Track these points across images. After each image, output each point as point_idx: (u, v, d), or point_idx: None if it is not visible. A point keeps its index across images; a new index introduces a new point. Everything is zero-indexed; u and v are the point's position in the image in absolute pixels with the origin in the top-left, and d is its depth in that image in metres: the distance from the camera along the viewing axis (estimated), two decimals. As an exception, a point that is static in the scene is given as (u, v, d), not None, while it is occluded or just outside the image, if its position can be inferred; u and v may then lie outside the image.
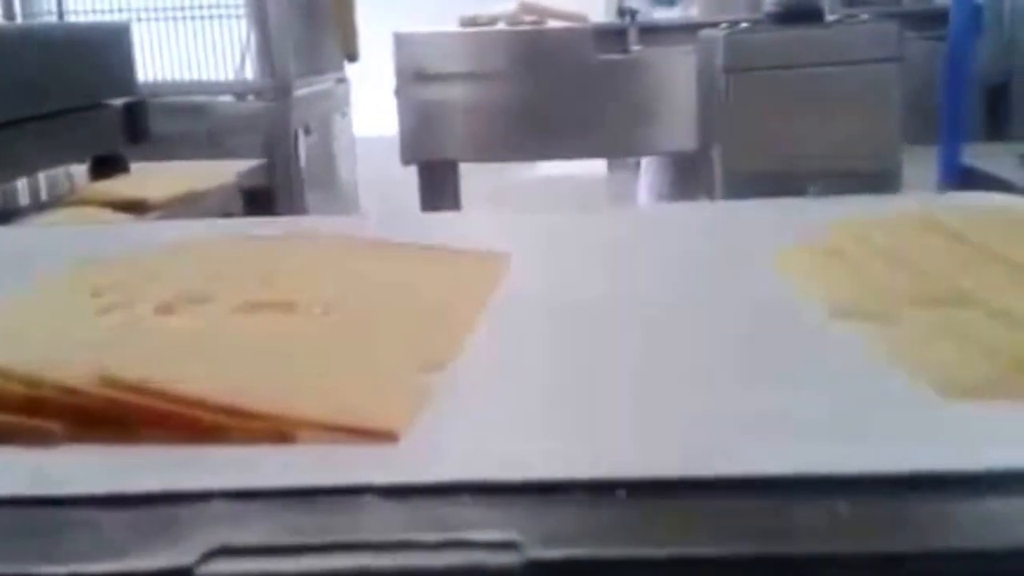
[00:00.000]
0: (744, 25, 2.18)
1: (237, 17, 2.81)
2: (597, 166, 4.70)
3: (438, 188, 3.24)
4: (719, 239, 0.85)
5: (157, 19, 2.83)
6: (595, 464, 0.41)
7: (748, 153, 1.77)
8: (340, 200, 3.22)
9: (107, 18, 2.72)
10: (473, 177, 3.52)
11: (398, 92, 3.06)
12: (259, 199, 2.73)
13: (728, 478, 0.40)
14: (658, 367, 0.54)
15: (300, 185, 2.81)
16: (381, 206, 3.58)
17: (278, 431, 0.45)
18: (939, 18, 2.88)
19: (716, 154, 1.80)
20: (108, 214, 1.42)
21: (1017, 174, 0.98)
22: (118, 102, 1.75)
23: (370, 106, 3.45)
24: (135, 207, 1.44)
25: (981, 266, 0.66)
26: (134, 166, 1.82)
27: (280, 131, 2.73)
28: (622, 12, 3.10)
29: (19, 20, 2.67)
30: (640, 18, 2.98)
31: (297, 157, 2.79)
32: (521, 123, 3.04)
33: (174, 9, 2.80)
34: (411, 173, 3.05)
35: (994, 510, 0.38)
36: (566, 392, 0.51)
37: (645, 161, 3.37)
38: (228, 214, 1.84)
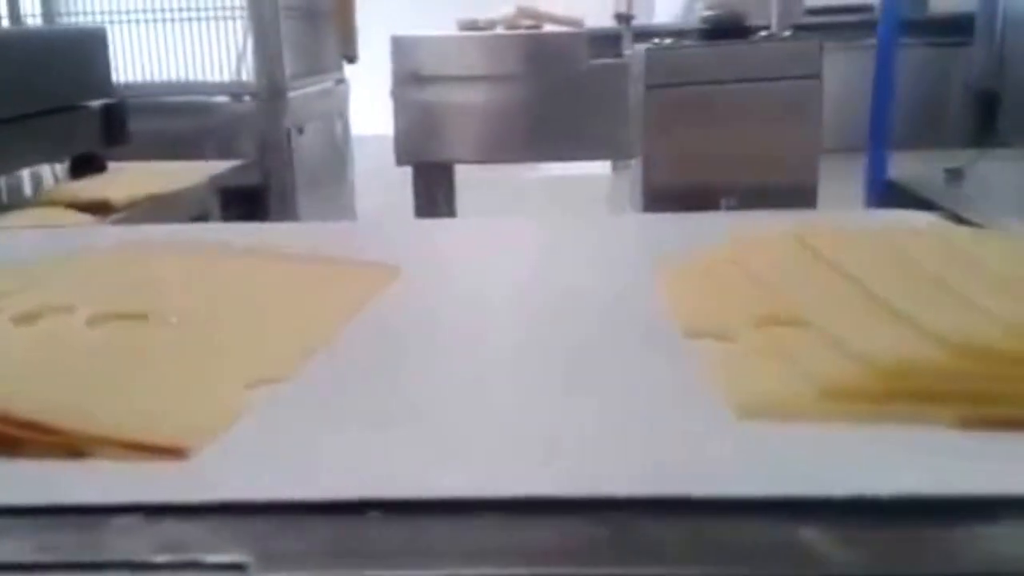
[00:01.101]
0: (668, 41, 2.18)
1: (235, 19, 2.83)
2: (602, 167, 4.70)
3: (433, 189, 3.25)
4: (615, 254, 0.85)
5: (156, 20, 2.85)
6: (344, 485, 0.41)
7: (669, 167, 1.77)
8: (336, 201, 3.23)
9: (104, 19, 2.74)
10: (481, 176, 3.54)
11: (394, 94, 3.08)
12: (251, 199, 2.75)
13: (468, 500, 0.40)
14: (481, 386, 0.55)
15: (292, 186, 2.83)
16: (378, 207, 3.59)
17: (71, 446, 0.45)
18: (933, 24, 2.87)
19: (638, 167, 1.80)
20: (71, 215, 1.43)
21: (936, 189, 0.98)
22: (96, 104, 1.77)
23: (372, 106, 3.46)
24: (98, 208, 1.45)
25: (836, 288, 0.66)
26: (113, 166, 1.83)
27: (272, 132, 2.74)
28: (618, 17, 3.10)
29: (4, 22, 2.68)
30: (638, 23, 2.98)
31: (290, 158, 2.80)
32: (516, 126, 3.04)
33: (171, 11, 2.82)
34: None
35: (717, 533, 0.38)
36: (377, 413, 0.52)
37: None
38: (203, 215, 1.86)
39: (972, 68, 2.68)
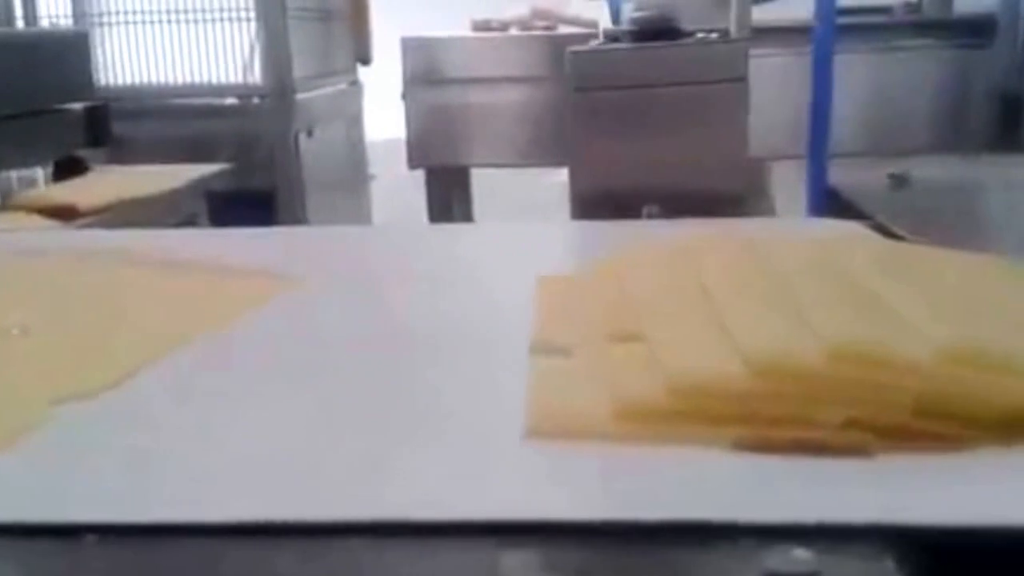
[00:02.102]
0: (596, 43, 2.15)
1: (244, 20, 2.86)
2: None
3: (446, 193, 3.27)
4: (509, 264, 0.86)
5: (166, 21, 2.89)
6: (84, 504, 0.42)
7: (596, 173, 1.76)
8: (350, 205, 3.25)
9: (112, 20, 2.79)
10: (498, 181, 3.55)
11: (405, 96, 3.10)
12: (260, 203, 2.78)
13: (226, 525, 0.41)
14: (293, 408, 0.56)
15: (300, 190, 2.85)
16: (393, 209, 3.61)
17: None
18: (957, 25, 2.83)
19: (567, 173, 1.80)
20: (36, 220, 1.46)
21: (874, 197, 0.96)
22: (77, 106, 1.80)
23: (387, 109, 3.48)
24: (64, 213, 1.48)
25: (689, 303, 0.66)
26: (99, 169, 1.87)
27: (279, 134, 2.77)
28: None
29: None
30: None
31: (297, 160, 2.82)
32: (531, 128, 3.04)
33: (179, 12, 2.85)
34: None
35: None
36: (174, 434, 0.52)
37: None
38: (188, 219, 1.89)
39: (993, 70, 2.64)
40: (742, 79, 1.68)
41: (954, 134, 2.82)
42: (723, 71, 1.73)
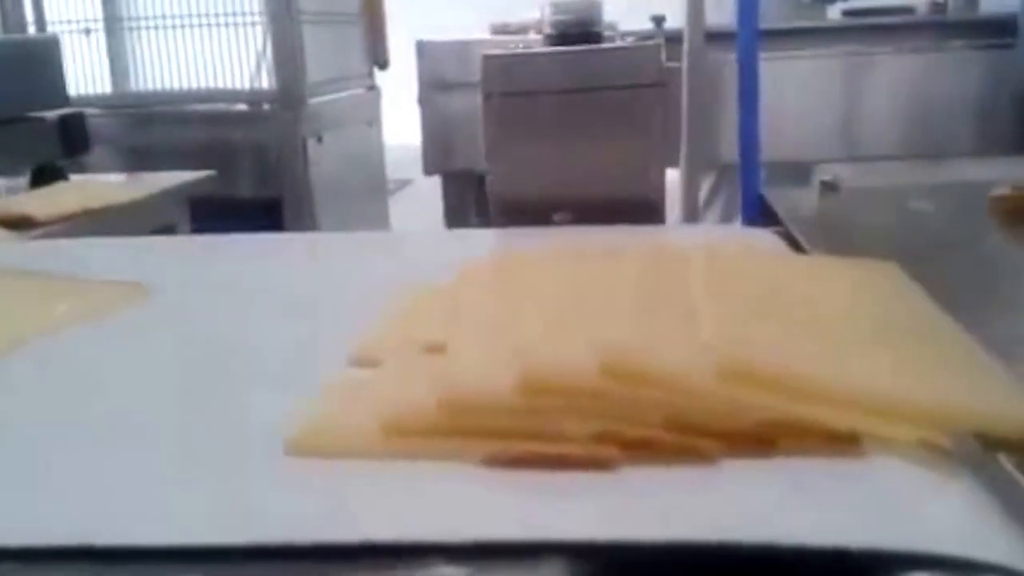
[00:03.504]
0: (516, 47, 2.12)
1: (255, 24, 2.90)
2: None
3: (462, 199, 3.27)
4: (389, 275, 0.86)
5: (178, 27, 2.94)
6: None
7: (512, 178, 1.74)
8: (366, 211, 3.27)
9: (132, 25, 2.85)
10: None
11: (421, 101, 3.11)
12: (268, 210, 2.82)
13: None
14: (75, 423, 0.57)
15: (309, 196, 2.88)
16: (425, 214, 3.62)
17: None
18: (982, 26, 2.79)
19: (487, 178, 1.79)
20: (-8, 231, 1.48)
21: (792, 206, 0.95)
22: (53, 115, 1.84)
23: (398, 115, 3.50)
24: (21, 224, 1.51)
25: (505, 313, 0.66)
26: (75, 178, 1.91)
27: (287, 140, 2.80)
28: (654, 20, 3.08)
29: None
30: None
31: (305, 167, 2.85)
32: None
33: (189, 16, 2.90)
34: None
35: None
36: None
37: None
38: (167, 227, 1.91)
39: (1016, 70, 2.60)
40: (659, 84, 1.66)
41: (980, 135, 2.78)
42: (638, 76, 1.71)
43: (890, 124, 2.71)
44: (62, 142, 1.84)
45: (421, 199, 3.54)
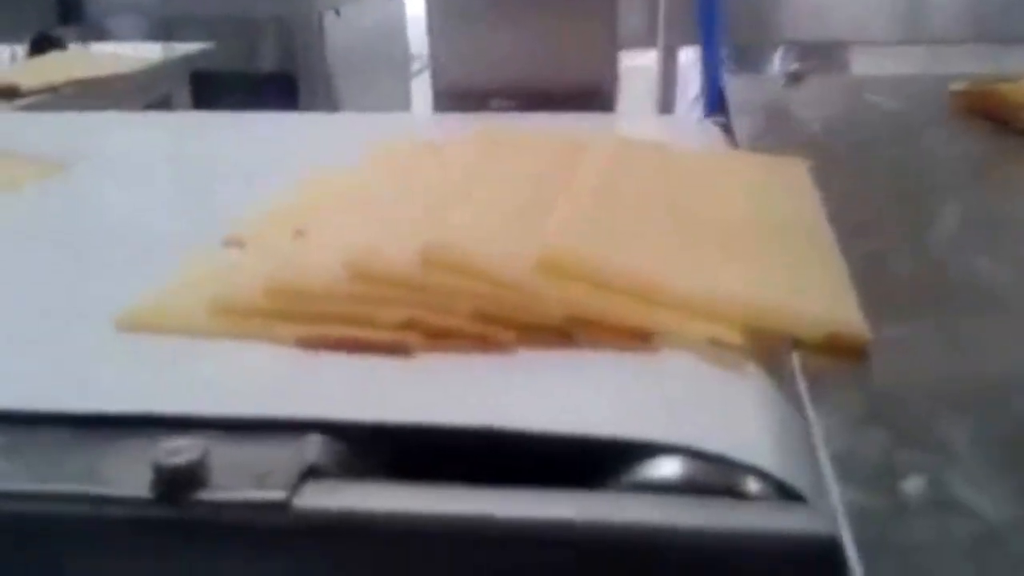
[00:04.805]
0: None
1: None
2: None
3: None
4: (308, 157, 0.88)
5: None
6: None
7: (454, 65, 1.72)
8: (387, 88, 3.27)
9: None
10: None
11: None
12: (283, 87, 2.82)
13: None
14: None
15: (325, 73, 2.88)
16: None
17: None
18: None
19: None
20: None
21: (743, 97, 0.94)
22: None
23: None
24: (7, 93, 1.54)
25: (392, 201, 0.68)
26: (72, 47, 1.93)
27: (301, 13, 2.79)
28: None
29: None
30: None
31: (322, 42, 2.85)
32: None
33: None
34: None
35: None
36: None
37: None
38: (162, 100, 1.93)
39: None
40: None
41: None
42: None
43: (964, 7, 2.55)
44: (58, 11, 1.86)
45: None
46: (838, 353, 0.48)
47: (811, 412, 0.42)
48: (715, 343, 0.49)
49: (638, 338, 0.50)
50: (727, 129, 0.94)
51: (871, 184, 0.77)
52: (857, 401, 0.43)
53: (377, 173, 0.76)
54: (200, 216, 0.74)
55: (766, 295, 0.52)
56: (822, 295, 0.53)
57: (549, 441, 0.42)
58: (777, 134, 0.91)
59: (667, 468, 0.41)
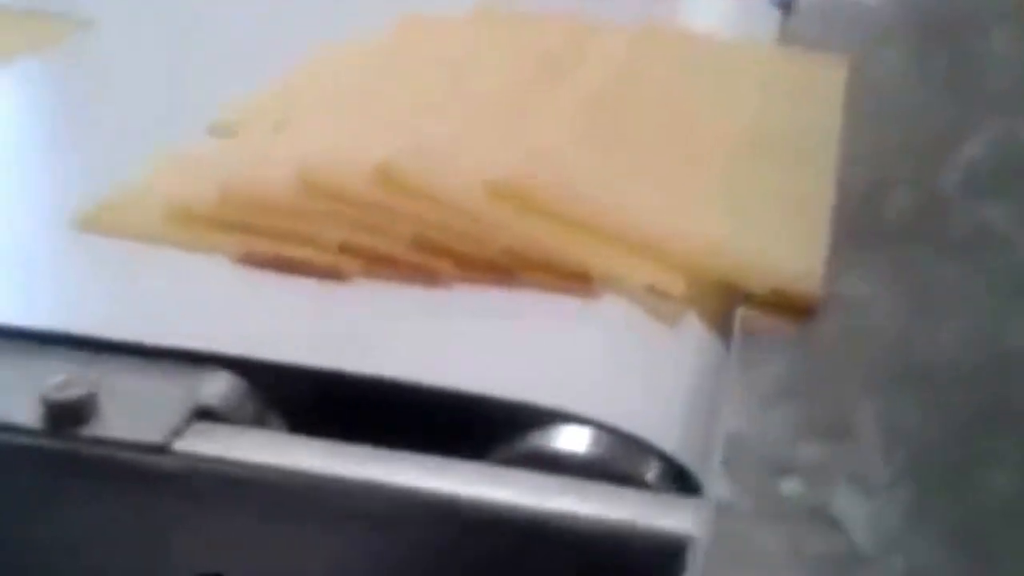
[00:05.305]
0: None
1: None
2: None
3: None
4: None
5: None
6: None
7: None
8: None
9: None
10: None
11: None
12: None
13: None
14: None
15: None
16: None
17: None
18: None
19: None
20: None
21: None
22: None
23: None
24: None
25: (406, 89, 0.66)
26: None
27: None
28: None
29: None
30: None
31: None
32: None
33: None
34: None
35: None
36: None
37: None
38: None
39: None
40: None
41: None
42: None
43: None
44: None
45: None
46: (784, 311, 0.46)
47: (721, 386, 0.40)
48: (654, 291, 0.47)
49: (578, 280, 0.48)
50: (787, 7, 0.88)
51: (912, 93, 0.73)
52: (772, 376, 0.41)
53: (388, 53, 0.73)
54: (201, 95, 0.71)
55: (717, 237, 0.49)
56: (786, 239, 0.50)
57: (446, 397, 0.41)
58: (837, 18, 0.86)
59: (562, 440, 0.39)
